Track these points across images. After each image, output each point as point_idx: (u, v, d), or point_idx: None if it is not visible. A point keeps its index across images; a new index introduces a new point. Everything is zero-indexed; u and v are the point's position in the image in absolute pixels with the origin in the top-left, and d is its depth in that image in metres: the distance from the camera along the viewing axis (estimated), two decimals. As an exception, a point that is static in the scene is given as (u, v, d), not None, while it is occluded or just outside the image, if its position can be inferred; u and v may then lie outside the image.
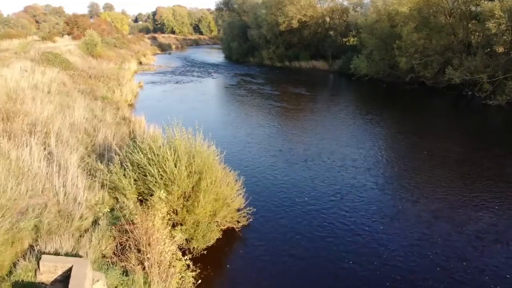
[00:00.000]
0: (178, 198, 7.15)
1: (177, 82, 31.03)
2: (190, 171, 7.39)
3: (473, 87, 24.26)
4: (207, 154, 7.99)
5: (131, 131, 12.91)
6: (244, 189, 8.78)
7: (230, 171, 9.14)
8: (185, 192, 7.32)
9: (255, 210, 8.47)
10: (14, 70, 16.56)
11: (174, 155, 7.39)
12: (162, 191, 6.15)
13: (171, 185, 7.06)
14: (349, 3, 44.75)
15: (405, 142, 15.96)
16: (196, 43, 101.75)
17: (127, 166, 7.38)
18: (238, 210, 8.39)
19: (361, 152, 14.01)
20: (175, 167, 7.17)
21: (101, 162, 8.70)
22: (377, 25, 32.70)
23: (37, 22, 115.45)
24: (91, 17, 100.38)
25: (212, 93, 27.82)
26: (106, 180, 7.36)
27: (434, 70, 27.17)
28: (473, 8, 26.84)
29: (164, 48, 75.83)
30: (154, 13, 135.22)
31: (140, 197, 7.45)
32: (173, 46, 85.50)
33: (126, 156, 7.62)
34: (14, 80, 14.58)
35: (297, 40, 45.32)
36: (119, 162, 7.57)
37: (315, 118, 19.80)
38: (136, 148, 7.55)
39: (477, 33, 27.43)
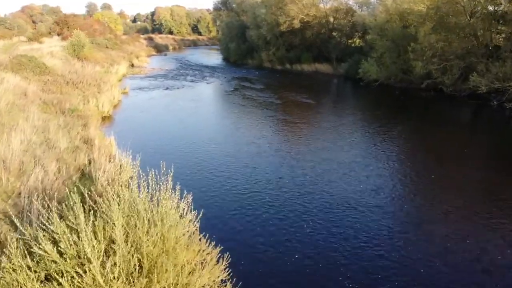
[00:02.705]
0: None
1: (167, 88, 28.03)
2: (134, 266, 4.44)
3: (500, 97, 21.34)
4: (169, 226, 5.04)
5: (88, 162, 9.94)
6: (230, 270, 5.86)
7: (206, 239, 6.23)
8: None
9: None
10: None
11: (108, 238, 4.44)
12: None
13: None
14: (355, 2, 41.88)
15: (420, 164, 13.17)
16: (194, 44, 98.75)
17: (33, 254, 4.44)
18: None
19: (368, 180, 11.28)
20: (104, 264, 4.22)
21: (14, 231, 5.78)
22: (387, 26, 29.78)
23: (34, 22, 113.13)
24: (90, 16, 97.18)
25: (203, 101, 24.73)
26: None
27: (454, 76, 24.19)
28: (496, 8, 23.93)
29: (160, 49, 72.72)
30: (153, 13, 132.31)
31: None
32: (170, 47, 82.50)
33: (33, 236, 4.66)
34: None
35: (298, 41, 42.34)
36: (21, 247, 4.60)
37: (317, 133, 16.88)
38: (47, 227, 4.59)
39: (503, 35, 24.45)
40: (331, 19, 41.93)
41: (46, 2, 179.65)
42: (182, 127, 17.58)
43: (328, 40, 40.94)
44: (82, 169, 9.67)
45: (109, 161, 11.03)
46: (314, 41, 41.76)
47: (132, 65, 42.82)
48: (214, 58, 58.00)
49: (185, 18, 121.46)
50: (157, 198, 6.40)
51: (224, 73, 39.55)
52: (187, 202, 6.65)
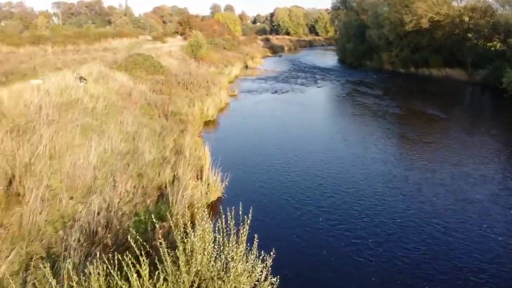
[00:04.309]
0: None
1: (275, 92, 26.72)
2: None
3: None
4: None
5: (168, 180, 8.70)
6: None
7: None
8: None
9: None
10: (67, 78, 13.74)
11: None
12: None
13: None
14: (495, 0, 35.77)
15: None
16: (310, 44, 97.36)
17: None
18: None
19: (509, 231, 8.19)
20: None
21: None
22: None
23: (164, 22, 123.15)
24: (212, 17, 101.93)
25: (311, 108, 22.49)
26: None
27: None
28: None
29: (275, 50, 72.70)
30: (272, 14, 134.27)
31: None
32: (286, 48, 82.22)
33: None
34: (55, 94, 11.57)
35: (426, 42, 37.68)
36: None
37: (443, 155, 13.60)
38: None
39: None
40: (466, 19, 36.57)
41: (176, 3, 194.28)
42: (283, 137, 15.83)
43: (461, 41, 35.74)
44: (164, 188, 8.50)
45: (197, 178, 9.84)
46: (444, 42, 36.86)
47: (246, 67, 42.66)
48: (328, 59, 55.63)
49: (302, 18, 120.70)
50: (225, 258, 4.78)
51: (338, 76, 37.07)
52: (266, 265, 4.92)
